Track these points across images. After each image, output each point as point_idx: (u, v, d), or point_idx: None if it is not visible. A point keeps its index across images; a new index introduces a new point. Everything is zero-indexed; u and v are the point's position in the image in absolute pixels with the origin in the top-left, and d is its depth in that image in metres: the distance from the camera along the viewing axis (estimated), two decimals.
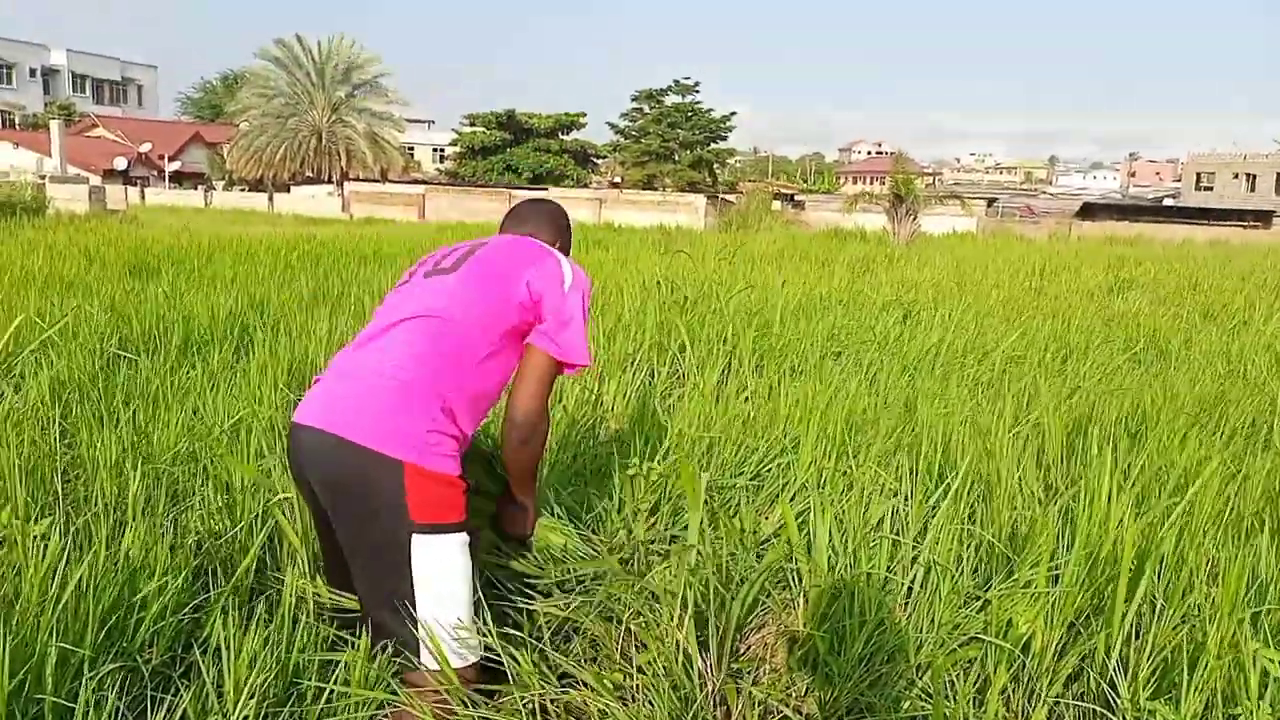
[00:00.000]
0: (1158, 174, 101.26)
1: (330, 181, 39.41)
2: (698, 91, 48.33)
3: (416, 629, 1.94)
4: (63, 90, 61.65)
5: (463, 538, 1.99)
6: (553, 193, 33.78)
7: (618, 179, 50.59)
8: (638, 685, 2.12)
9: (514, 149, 46.91)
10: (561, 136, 48.29)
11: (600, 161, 53.00)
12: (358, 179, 37.87)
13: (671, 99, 48.51)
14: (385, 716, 2.05)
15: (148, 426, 3.58)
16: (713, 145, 49.15)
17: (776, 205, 34.71)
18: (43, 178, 23.93)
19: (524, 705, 2.05)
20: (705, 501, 3.13)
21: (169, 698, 2.00)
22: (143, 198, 34.32)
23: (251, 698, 1.98)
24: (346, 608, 2.21)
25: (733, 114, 48.88)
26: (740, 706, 2.05)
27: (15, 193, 17.80)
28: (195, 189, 39.20)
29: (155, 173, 44.04)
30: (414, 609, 1.93)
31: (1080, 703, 2.24)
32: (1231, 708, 2.13)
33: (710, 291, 7.59)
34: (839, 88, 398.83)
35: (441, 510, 1.94)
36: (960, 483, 2.97)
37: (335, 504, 1.97)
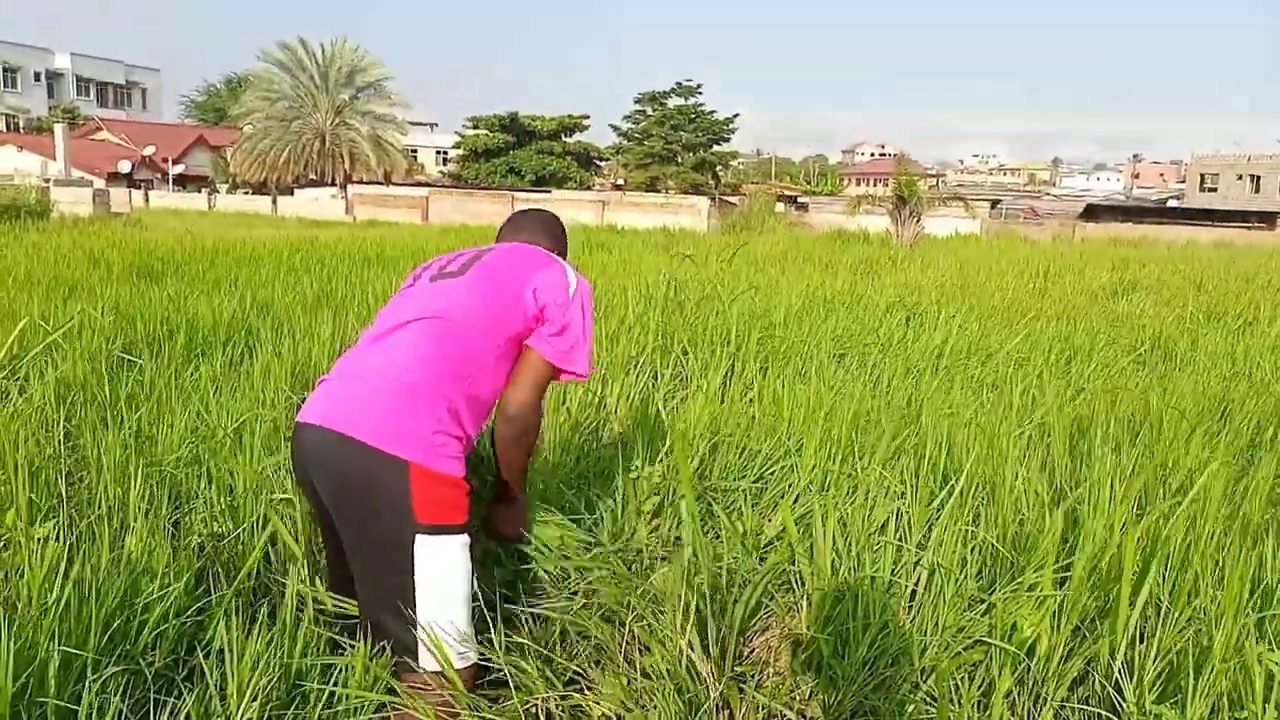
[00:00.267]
0: (1161, 175, 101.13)
1: (334, 184, 39.47)
2: (700, 94, 48.44)
3: (416, 630, 1.94)
4: (67, 94, 61.84)
5: (465, 539, 2.00)
6: (556, 195, 33.85)
7: (621, 181, 50.62)
8: (642, 689, 2.12)
9: (517, 151, 46.97)
10: (564, 139, 48.34)
11: (603, 164, 53.07)
12: (361, 182, 37.93)
13: (674, 101, 48.59)
14: (385, 718, 2.04)
15: (151, 429, 3.58)
16: (716, 147, 49.20)
17: (780, 207, 34.70)
18: (47, 181, 23.98)
19: (527, 709, 2.05)
20: (709, 504, 3.12)
21: (172, 700, 1.99)
22: (146, 201, 34.40)
23: (254, 700, 1.98)
24: (347, 612, 2.21)
25: (735, 116, 48.99)
26: (744, 710, 2.05)
27: (19, 196, 17.86)
28: (199, 192, 39.25)
29: (159, 176, 44.12)
30: (415, 609, 1.93)
31: (1086, 706, 2.23)
32: (1238, 711, 2.12)
33: (713, 294, 7.59)
34: (840, 88, 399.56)
35: (446, 511, 1.95)
36: (964, 485, 2.96)
37: (339, 503, 1.97)
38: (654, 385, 4.87)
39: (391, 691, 2.02)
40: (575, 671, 2.21)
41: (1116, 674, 2.25)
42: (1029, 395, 4.89)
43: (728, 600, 2.33)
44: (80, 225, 15.86)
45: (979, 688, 2.23)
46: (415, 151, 58.27)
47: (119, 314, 5.89)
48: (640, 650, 2.24)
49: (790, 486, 3.33)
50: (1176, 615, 2.42)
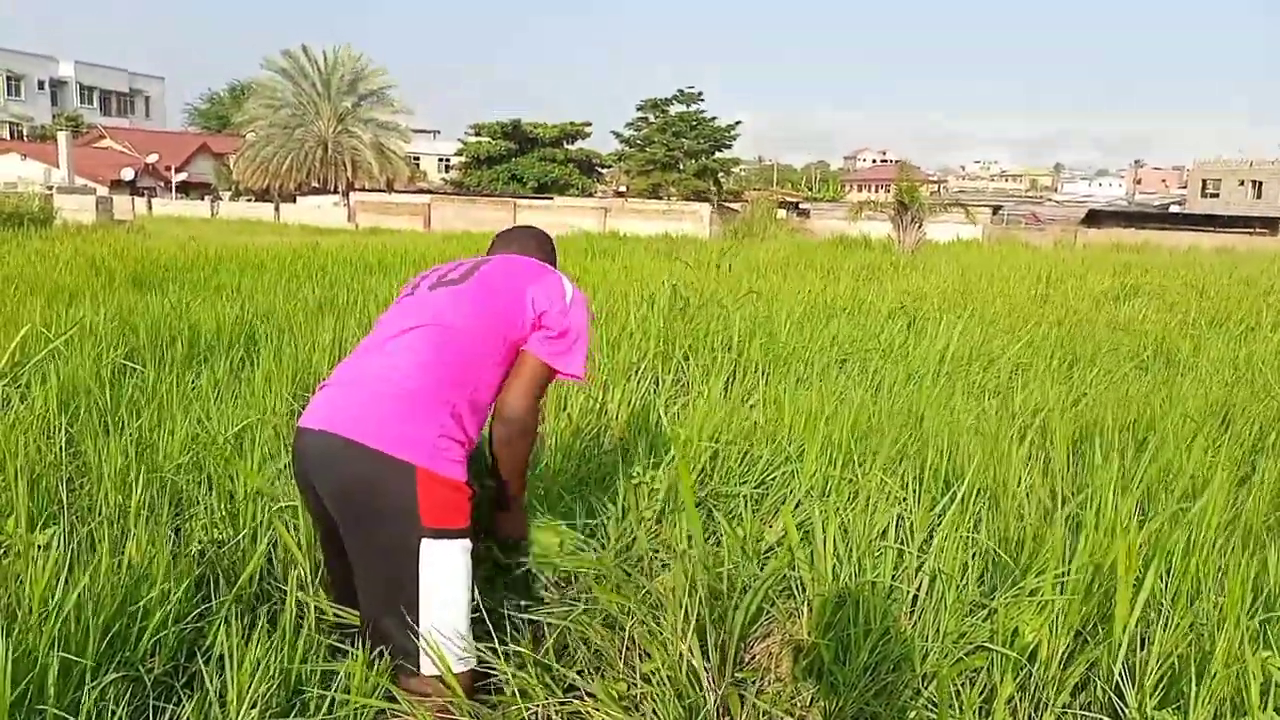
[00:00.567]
0: (1163, 181, 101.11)
1: (336, 191, 39.55)
2: (702, 100, 48.48)
3: (418, 636, 1.94)
4: (70, 102, 61.99)
5: (467, 543, 2.01)
6: (558, 202, 33.89)
7: (623, 188, 50.69)
8: (642, 694, 2.11)
9: (519, 159, 47.02)
10: (566, 146, 48.39)
11: (605, 171, 53.12)
12: (363, 189, 37.98)
13: (676, 108, 48.65)
14: None
15: (152, 435, 3.59)
16: (717, 154, 49.24)
17: (781, 213, 34.73)
18: (50, 189, 24.02)
19: (529, 715, 2.05)
20: (710, 510, 3.12)
21: (171, 707, 1.99)
22: (150, 208, 34.49)
23: (254, 707, 1.98)
24: (347, 621, 2.21)
25: (737, 123, 49.00)
26: (744, 716, 2.04)
27: (23, 204, 17.89)
28: (202, 199, 39.34)
29: (162, 183, 44.20)
30: (417, 613, 1.94)
31: (1087, 712, 2.22)
32: (1240, 717, 2.11)
33: (715, 300, 7.59)
34: (840, 89, 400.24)
35: (450, 515, 1.96)
36: (966, 490, 2.96)
37: (343, 507, 1.98)
38: (655, 391, 4.87)
39: (391, 698, 2.02)
40: (576, 675, 2.21)
41: (1118, 679, 2.25)
42: (1031, 401, 4.88)
43: (728, 606, 2.33)
44: (83, 233, 15.88)
45: (980, 694, 2.22)
46: (418, 159, 58.37)
47: (121, 321, 5.90)
48: (641, 656, 2.23)
49: (791, 492, 3.33)
50: (1178, 620, 2.41)
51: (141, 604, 2.21)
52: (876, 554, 2.72)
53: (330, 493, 1.98)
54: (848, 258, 16.26)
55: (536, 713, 2.09)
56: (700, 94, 48.31)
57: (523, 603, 2.36)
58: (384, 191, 38.03)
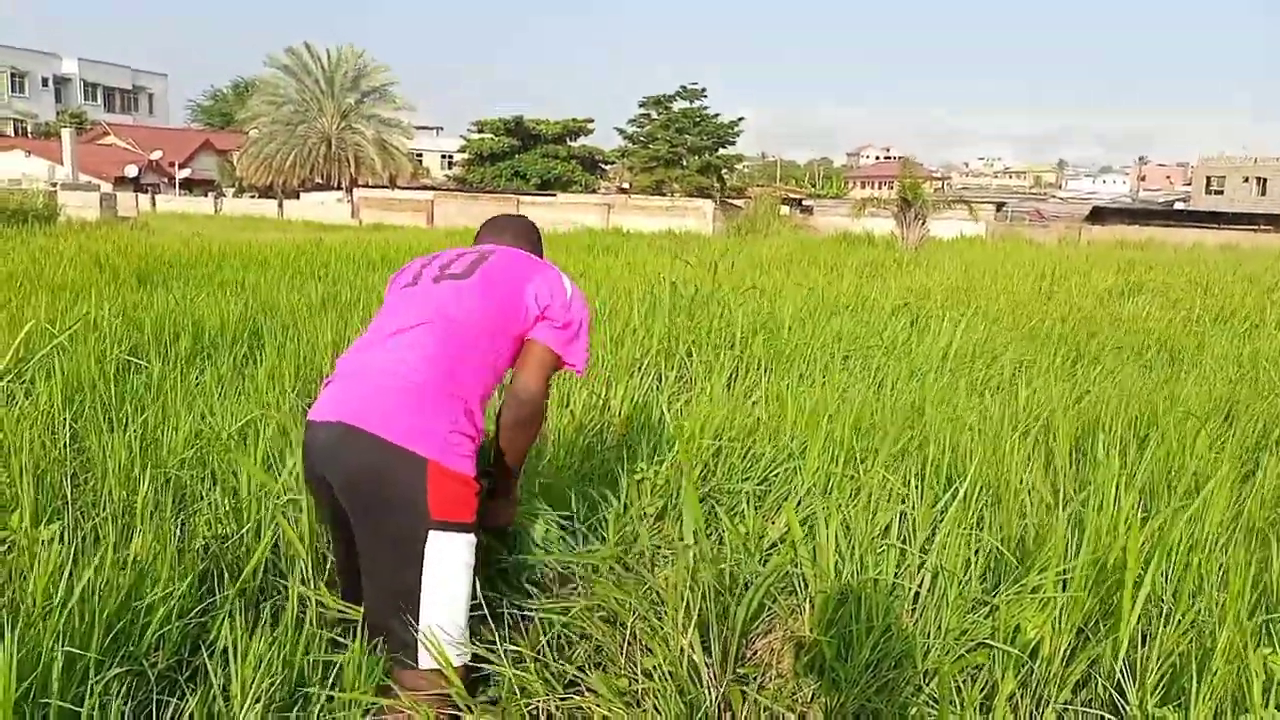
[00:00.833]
0: (1168, 177, 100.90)
1: (339, 188, 39.58)
2: (705, 97, 48.41)
3: (418, 629, 1.96)
4: (74, 99, 62.06)
5: (472, 537, 2.04)
6: (561, 198, 33.87)
7: (626, 185, 50.66)
8: (642, 690, 2.12)
9: (522, 155, 46.99)
10: (569, 142, 48.37)
11: (608, 167, 53.09)
12: (367, 185, 38.01)
13: (679, 104, 48.59)
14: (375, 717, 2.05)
15: (156, 431, 3.60)
16: (720, 151, 49.19)
17: (784, 210, 34.70)
18: (54, 185, 24.08)
19: (528, 710, 2.05)
20: (712, 506, 3.12)
21: (175, 701, 2.00)
22: (153, 205, 34.52)
23: (258, 701, 1.99)
24: (349, 616, 2.23)
25: (740, 119, 48.96)
26: (745, 712, 2.04)
27: (27, 200, 17.95)
28: (205, 196, 39.38)
29: (166, 180, 44.26)
30: (418, 606, 1.96)
31: (1088, 710, 2.22)
32: (1241, 714, 2.11)
33: (717, 297, 7.59)
34: (842, 85, 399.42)
35: (457, 508, 1.99)
36: (968, 487, 2.96)
37: (353, 499, 2.00)
38: (658, 388, 4.88)
39: (387, 692, 2.02)
40: (576, 671, 2.21)
41: (1119, 676, 2.25)
42: (1034, 398, 4.88)
43: (730, 602, 2.33)
44: (87, 229, 15.91)
45: (981, 690, 2.23)
46: (420, 155, 58.37)
47: (125, 317, 5.91)
48: (642, 651, 2.24)
49: (794, 489, 3.33)
50: (1179, 617, 2.41)
51: (146, 599, 2.22)
52: (878, 551, 2.72)
53: (342, 484, 2.00)
54: (851, 254, 16.25)
55: (537, 708, 2.09)
56: (703, 90, 48.30)
57: (522, 598, 2.37)
58: (387, 188, 38.06)
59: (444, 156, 64.25)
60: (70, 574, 2.20)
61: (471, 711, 2.00)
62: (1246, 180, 59.04)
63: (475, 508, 2.05)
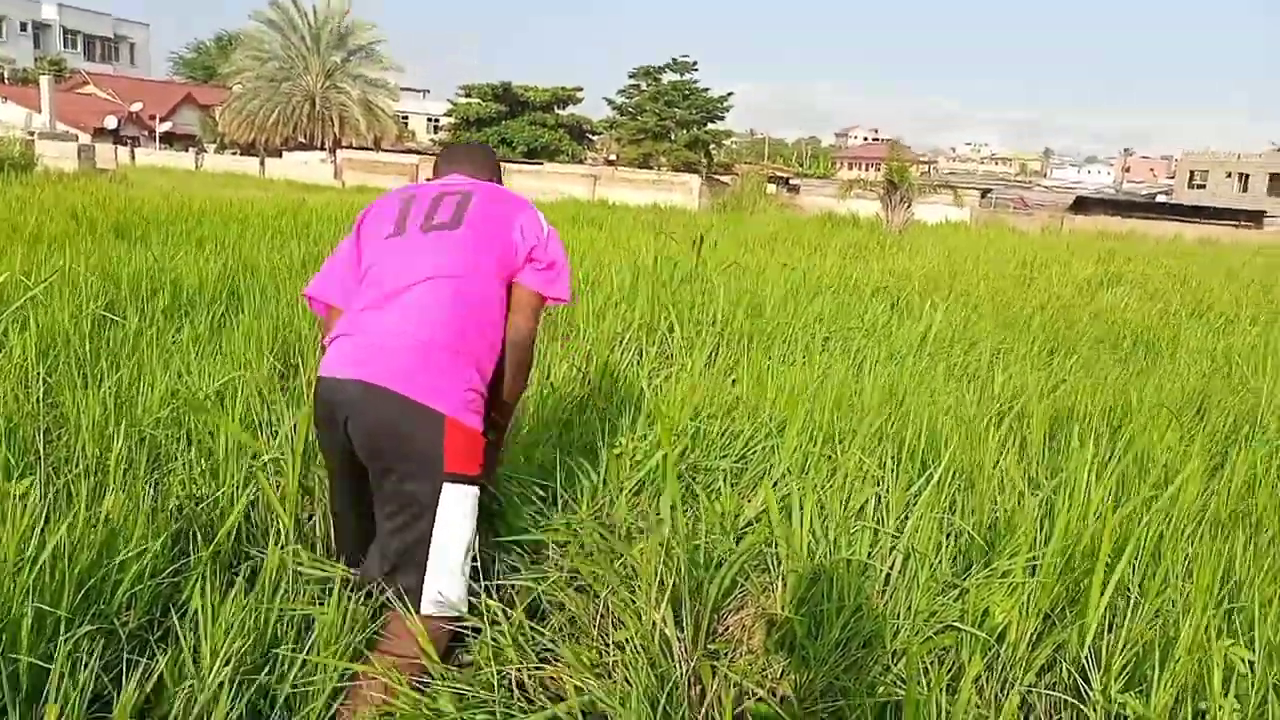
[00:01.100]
0: (1152, 170, 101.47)
1: (323, 148, 39.06)
2: (696, 70, 48.04)
3: (425, 576, 2.03)
4: (54, 46, 60.76)
5: (477, 490, 2.12)
6: (547, 167, 33.62)
7: (613, 156, 50.35)
8: (614, 662, 2.14)
9: (509, 121, 46.52)
10: (557, 111, 47.92)
11: (596, 138, 52.69)
12: (350, 146, 37.56)
13: (669, 77, 48.20)
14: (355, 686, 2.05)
15: (132, 389, 3.56)
16: (709, 125, 48.90)
17: (771, 188, 34.63)
18: (31, 134, 23.62)
19: (500, 679, 2.06)
20: (689, 483, 3.14)
21: (145, 661, 1.99)
22: (133, 158, 33.96)
23: (227, 664, 1.99)
24: (328, 573, 2.24)
25: (730, 94, 48.63)
26: (716, 686, 2.06)
27: (3, 148, 17.59)
28: (186, 151, 38.79)
29: (146, 133, 43.53)
30: (428, 553, 2.03)
31: (1052, 693, 2.26)
32: (1199, 701, 2.16)
33: (700, 273, 7.58)
34: (837, 73, 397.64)
35: (470, 461, 2.09)
36: (943, 472, 2.98)
37: (372, 451, 2.08)
38: (639, 362, 4.88)
39: (360, 659, 2.03)
40: (549, 642, 2.23)
41: (1084, 662, 2.29)
42: (1010, 385, 4.92)
43: (704, 578, 2.35)
44: (65, 180, 15.64)
45: (948, 672, 2.26)
46: (406, 118, 57.70)
47: (102, 271, 5.83)
48: (614, 624, 2.25)
49: (771, 468, 3.35)
50: (1145, 606, 2.45)
51: (118, 558, 2.21)
52: (852, 531, 2.75)
53: (361, 438, 2.07)
54: (835, 235, 16.26)
55: (510, 677, 2.11)
56: (694, 63, 47.89)
57: (496, 566, 2.37)
58: (371, 150, 37.62)
59: (430, 120, 63.55)
60: (42, 530, 2.18)
61: (444, 680, 2.01)
62: (1229, 176, 59.49)
63: (482, 461, 2.13)
